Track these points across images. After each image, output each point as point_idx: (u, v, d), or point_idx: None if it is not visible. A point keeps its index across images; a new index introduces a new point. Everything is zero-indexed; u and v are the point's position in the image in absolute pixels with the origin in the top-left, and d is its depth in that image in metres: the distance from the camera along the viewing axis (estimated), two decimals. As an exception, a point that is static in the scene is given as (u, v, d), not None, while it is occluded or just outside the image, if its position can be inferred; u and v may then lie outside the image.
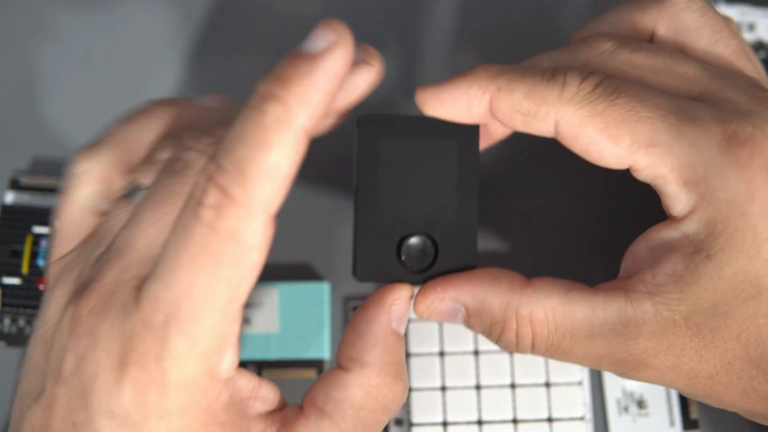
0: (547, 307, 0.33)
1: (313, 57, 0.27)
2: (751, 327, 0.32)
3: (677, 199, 0.32)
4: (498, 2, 0.49)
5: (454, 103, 0.34)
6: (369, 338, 0.32)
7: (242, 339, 0.42)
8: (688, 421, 0.42)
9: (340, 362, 0.33)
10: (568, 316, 0.33)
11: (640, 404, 0.42)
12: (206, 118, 0.34)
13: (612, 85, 0.33)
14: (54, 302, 0.31)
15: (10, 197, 0.44)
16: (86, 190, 0.33)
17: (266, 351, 0.42)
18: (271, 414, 0.32)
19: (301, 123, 0.27)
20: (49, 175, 0.45)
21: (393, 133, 0.35)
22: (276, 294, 0.43)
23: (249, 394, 0.31)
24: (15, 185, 0.44)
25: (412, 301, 0.34)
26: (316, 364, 0.43)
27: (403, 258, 0.34)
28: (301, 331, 0.43)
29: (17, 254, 0.42)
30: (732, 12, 0.47)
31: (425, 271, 0.35)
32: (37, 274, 0.42)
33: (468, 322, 0.35)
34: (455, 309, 0.34)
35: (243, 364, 0.42)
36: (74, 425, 0.29)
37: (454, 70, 0.47)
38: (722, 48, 0.37)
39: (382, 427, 0.33)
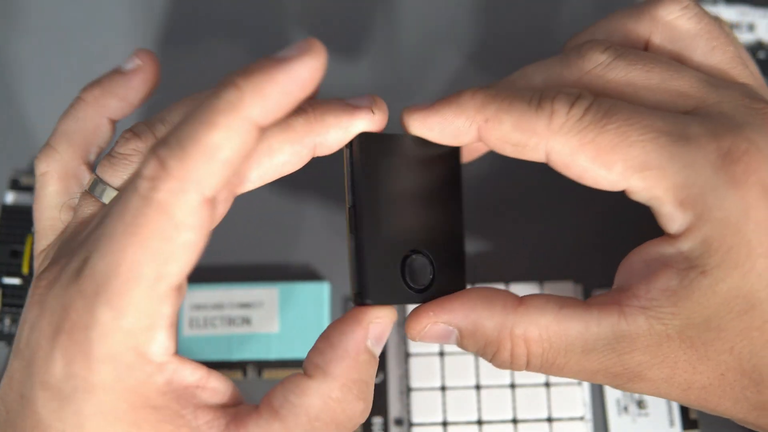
0: (541, 325, 0.33)
1: (281, 59, 0.28)
2: (744, 340, 0.32)
3: (673, 219, 0.32)
4: (491, 6, 0.49)
5: (441, 131, 0.34)
6: (339, 350, 0.32)
7: (242, 339, 0.42)
8: (687, 421, 0.42)
9: (306, 368, 0.32)
10: (562, 333, 0.33)
11: (640, 404, 0.42)
12: (137, 85, 0.35)
13: (602, 109, 0.33)
14: (30, 289, 0.32)
15: (10, 197, 0.44)
16: (50, 190, 0.34)
17: (266, 351, 0.42)
18: (222, 407, 0.31)
19: (251, 113, 0.28)
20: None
21: (386, 152, 0.34)
22: (276, 294, 0.43)
23: (196, 382, 0.30)
24: (15, 185, 0.44)
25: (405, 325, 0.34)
26: (316, 364, 0.43)
27: (407, 278, 0.34)
28: (301, 331, 0.43)
29: (17, 254, 0.42)
30: (732, 12, 0.47)
31: (424, 291, 0.34)
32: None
33: (461, 344, 0.35)
34: (448, 332, 0.34)
35: (244, 365, 0.42)
36: (21, 398, 0.30)
37: (437, 77, 0.47)
38: (720, 55, 0.36)
39: None
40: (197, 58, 0.48)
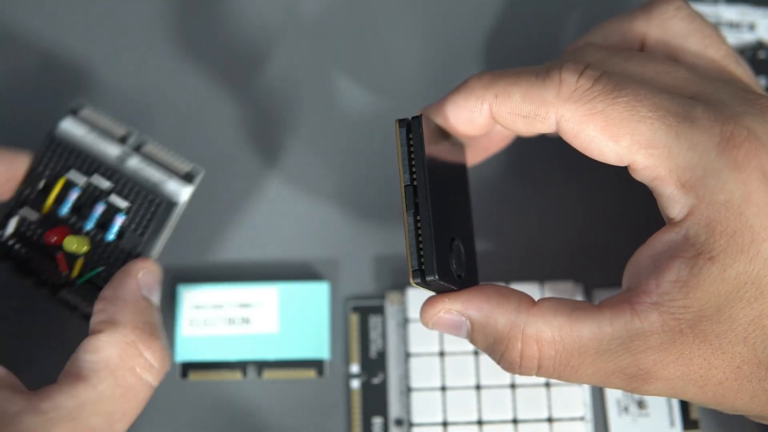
0: (554, 326, 0.33)
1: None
2: (757, 329, 0.32)
3: (675, 200, 0.32)
4: (497, 22, 0.49)
5: (456, 117, 0.35)
6: (119, 301, 0.34)
7: (242, 339, 0.42)
8: (688, 422, 0.42)
9: (93, 329, 0.33)
10: (575, 334, 0.33)
11: (641, 404, 0.42)
12: None
13: (611, 81, 0.33)
14: None
15: (65, 125, 0.40)
16: None
17: (266, 351, 0.42)
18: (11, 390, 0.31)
19: None
20: (113, 118, 0.41)
21: (433, 138, 0.35)
22: (276, 294, 0.43)
23: None
24: (74, 113, 0.41)
25: None
26: (316, 364, 0.42)
27: (453, 262, 0.34)
28: (301, 331, 0.43)
29: (47, 189, 0.40)
30: (732, 12, 0.47)
31: (460, 278, 0.35)
32: (52, 222, 0.40)
33: (471, 337, 0.35)
34: (460, 322, 0.35)
35: (243, 365, 0.42)
36: None
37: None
38: (713, 52, 0.37)
39: (146, 388, 0.32)
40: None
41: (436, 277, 0.33)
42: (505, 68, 0.36)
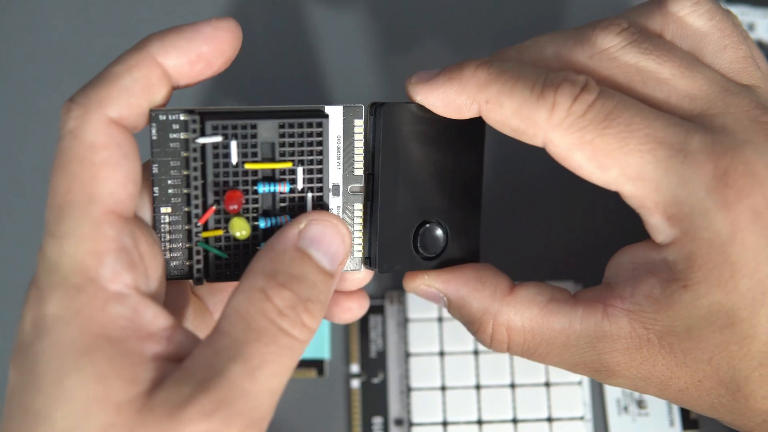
0: (525, 317, 0.34)
1: None
2: (723, 352, 0.32)
3: (659, 230, 0.32)
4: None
5: (444, 106, 0.34)
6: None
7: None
8: (687, 421, 0.42)
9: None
10: (545, 327, 0.34)
11: (640, 404, 0.42)
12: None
13: (604, 109, 0.32)
14: None
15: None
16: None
17: (266, 351, 0.42)
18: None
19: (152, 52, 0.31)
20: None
21: (408, 121, 0.34)
22: (276, 294, 0.43)
23: (160, 330, 0.29)
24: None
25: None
26: (316, 364, 0.42)
27: (418, 246, 0.35)
28: (301, 331, 0.43)
29: (271, 150, 0.33)
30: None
31: (435, 258, 0.36)
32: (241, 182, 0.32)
33: (449, 311, 0.36)
34: (439, 296, 0.36)
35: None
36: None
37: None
38: (731, 55, 0.35)
39: (282, 333, 0.29)
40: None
41: (377, 269, 0.35)
42: (507, 57, 0.36)
